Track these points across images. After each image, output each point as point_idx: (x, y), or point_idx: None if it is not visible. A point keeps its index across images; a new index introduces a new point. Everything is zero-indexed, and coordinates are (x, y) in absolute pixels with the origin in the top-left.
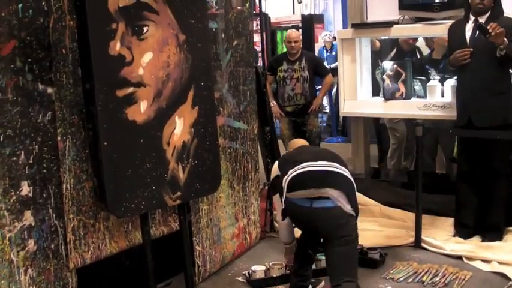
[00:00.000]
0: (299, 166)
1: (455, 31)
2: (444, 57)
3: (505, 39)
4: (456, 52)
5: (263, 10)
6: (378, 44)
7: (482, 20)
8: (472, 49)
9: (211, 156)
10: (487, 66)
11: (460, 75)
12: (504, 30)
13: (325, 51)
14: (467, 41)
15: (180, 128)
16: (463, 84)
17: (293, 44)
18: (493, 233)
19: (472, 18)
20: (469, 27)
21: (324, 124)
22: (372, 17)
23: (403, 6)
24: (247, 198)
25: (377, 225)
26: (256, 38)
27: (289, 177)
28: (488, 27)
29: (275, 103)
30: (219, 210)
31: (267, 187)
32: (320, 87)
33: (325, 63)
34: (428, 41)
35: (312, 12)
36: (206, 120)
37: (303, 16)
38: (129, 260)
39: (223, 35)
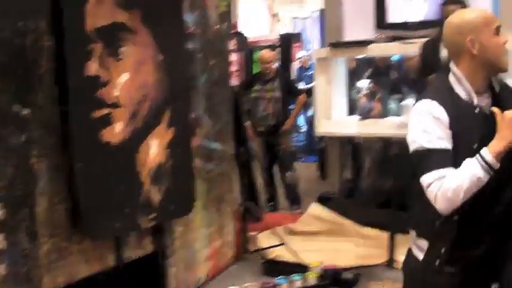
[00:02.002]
0: None
1: (429, 50)
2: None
3: None
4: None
5: (240, 29)
6: (354, 63)
7: None
8: None
9: (186, 178)
10: None
11: None
12: None
13: (302, 70)
14: (442, 58)
15: (155, 149)
16: None
17: (266, 65)
18: None
19: None
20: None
21: (301, 143)
22: (348, 36)
23: (379, 25)
24: (222, 219)
25: (352, 245)
26: (234, 57)
27: None
28: None
29: (248, 123)
30: (194, 232)
31: (241, 208)
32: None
33: (303, 83)
34: (405, 60)
35: (290, 31)
36: (181, 141)
37: (280, 35)
38: (103, 283)
39: (200, 55)
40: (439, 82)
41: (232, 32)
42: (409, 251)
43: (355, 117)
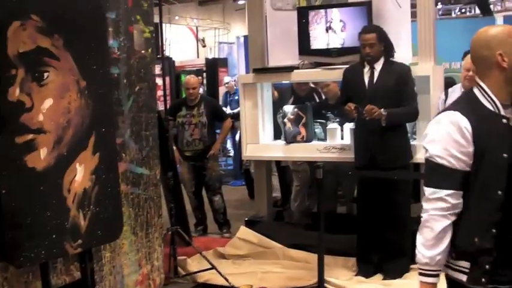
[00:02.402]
0: None
1: (352, 75)
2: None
3: (382, 111)
4: (346, 108)
5: (167, 54)
6: (276, 94)
7: (377, 67)
8: (355, 105)
9: (113, 203)
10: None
11: (359, 118)
12: (379, 111)
13: (228, 95)
14: (366, 85)
15: (80, 175)
16: (363, 126)
17: (191, 91)
18: (395, 270)
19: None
20: (366, 71)
21: (230, 167)
22: (272, 62)
23: (302, 51)
24: (150, 244)
25: (280, 267)
26: (160, 82)
27: None
28: (364, 111)
29: (175, 148)
30: (122, 257)
31: (170, 232)
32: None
33: (229, 108)
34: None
35: (217, 56)
36: (107, 166)
37: (207, 60)
38: None
39: (125, 80)
40: (462, 97)
41: (158, 56)
42: (449, 278)
43: (282, 142)
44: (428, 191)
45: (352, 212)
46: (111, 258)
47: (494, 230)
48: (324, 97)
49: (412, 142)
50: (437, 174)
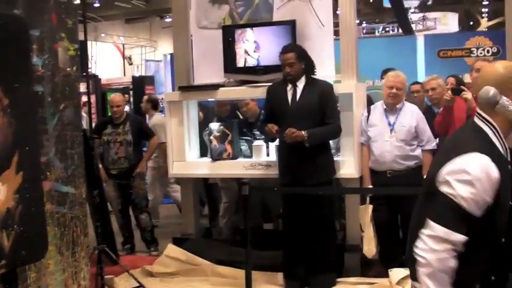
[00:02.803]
0: None
1: (275, 93)
2: (258, 120)
3: (304, 133)
4: (266, 129)
5: (93, 71)
6: (201, 114)
7: (300, 85)
8: (276, 128)
9: (37, 222)
10: (309, 127)
11: (282, 136)
12: (299, 133)
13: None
14: (289, 102)
15: (3, 194)
16: (286, 144)
17: (116, 109)
18: (321, 285)
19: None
20: (289, 89)
21: None
22: (198, 80)
23: (228, 69)
24: (77, 264)
25: (208, 284)
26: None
27: None
28: (284, 136)
29: (101, 166)
30: (48, 277)
31: (96, 252)
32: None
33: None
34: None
35: (143, 74)
36: (31, 185)
37: (134, 78)
38: None
39: (49, 98)
40: (476, 133)
41: (83, 74)
42: None
43: (208, 159)
44: (440, 230)
45: (278, 228)
46: (36, 278)
47: (493, 278)
48: (243, 117)
49: (336, 158)
50: (455, 215)
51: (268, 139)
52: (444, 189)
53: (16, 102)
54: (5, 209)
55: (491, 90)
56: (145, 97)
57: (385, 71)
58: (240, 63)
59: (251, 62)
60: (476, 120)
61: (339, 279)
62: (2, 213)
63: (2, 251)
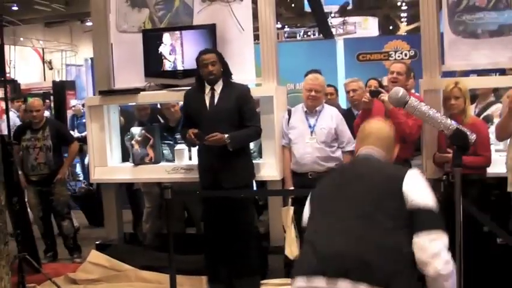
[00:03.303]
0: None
1: (192, 98)
2: (179, 124)
3: (226, 136)
4: (187, 136)
5: (12, 76)
6: (122, 119)
7: (217, 88)
8: (196, 132)
9: None
10: (227, 132)
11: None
12: (221, 136)
13: (76, 118)
14: (207, 106)
15: None
16: (206, 148)
17: (35, 113)
18: (247, 285)
19: (208, 86)
20: (207, 93)
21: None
22: (119, 84)
23: (148, 73)
24: None
25: None
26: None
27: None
28: (205, 140)
29: (20, 173)
30: None
31: (18, 260)
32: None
33: (77, 131)
34: (163, 110)
35: (64, 79)
36: None
37: (54, 83)
38: None
39: None
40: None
41: (2, 79)
42: None
43: (130, 164)
44: (445, 239)
45: (201, 232)
46: None
47: None
48: (163, 121)
49: (258, 161)
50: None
51: (190, 144)
52: (428, 206)
53: None
54: None
55: (401, 91)
56: None
57: (308, 73)
58: (159, 67)
59: (170, 66)
60: None
61: (263, 281)
62: None
63: None
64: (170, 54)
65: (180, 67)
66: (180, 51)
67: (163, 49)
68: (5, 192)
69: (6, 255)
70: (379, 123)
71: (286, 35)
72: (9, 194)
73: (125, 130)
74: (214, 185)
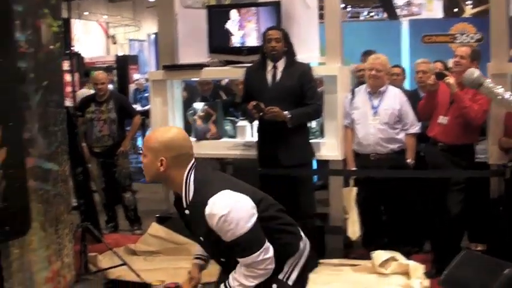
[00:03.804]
0: None
1: (254, 74)
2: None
3: (286, 113)
4: (248, 107)
5: (76, 50)
6: (185, 93)
7: (280, 66)
8: (255, 103)
9: (20, 198)
10: (288, 110)
11: (262, 118)
12: (281, 112)
13: (138, 92)
14: (269, 83)
15: None
16: (265, 125)
17: (99, 86)
18: None
19: (271, 63)
20: (269, 70)
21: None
22: (182, 59)
23: (212, 49)
24: (60, 241)
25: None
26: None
27: None
28: (265, 112)
29: (84, 144)
30: (31, 254)
31: (80, 229)
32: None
33: (139, 105)
34: (231, 85)
35: (127, 53)
36: (15, 161)
37: (117, 57)
38: None
39: (32, 75)
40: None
41: (67, 52)
42: None
43: (192, 139)
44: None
45: None
46: (19, 254)
47: None
48: (226, 96)
49: (320, 140)
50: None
51: (251, 118)
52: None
53: None
54: None
55: (476, 72)
56: None
57: (364, 53)
58: (223, 43)
59: (235, 42)
60: None
61: (321, 260)
62: None
63: None
64: (237, 30)
65: (244, 43)
66: (244, 28)
67: (230, 25)
68: (69, 163)
69: (70, 224)
70: None
71: (349, 15)
72: (74, 164)
73: (187, 105)
74: (273, 163)
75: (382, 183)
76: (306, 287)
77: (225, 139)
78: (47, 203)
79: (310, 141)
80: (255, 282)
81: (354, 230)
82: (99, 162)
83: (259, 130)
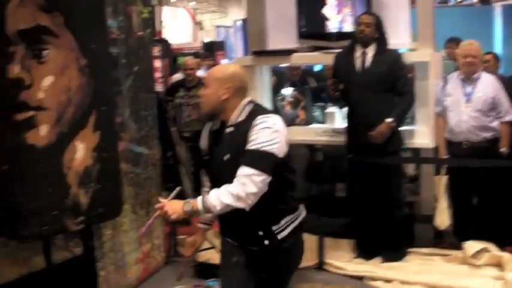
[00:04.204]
0: None
1: (343, 60)
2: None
3: (390, 122)
4: (328, 83)
5: (164, 36)
6: (274, 78)
7: (369, 52)
8: (333, 80)
9: (113, 181)
10: (377, 96)
11: (350, 104)
12: (385, 128)
13: None
14: (358, 69)
15: (81, 153)
16: (354, 112)
17: (189, 71)
18: (393, 254)
19: (361, 48)
20: (358, 56)
21: None
22: (271, 45)
23: (302, 35)
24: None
25: None
26: (158, 63)
27: None
28: (373, 135)
29: (173, 129)
30: (123, 235)
31: None
32: None
33: None
34: (326, 70)
35: (214, 39)
36: (108, 144)
37: (204, 43)
38: (32, 286)
39: (124, 60)
40: None
41: (156, 38)
42: None
43: None
44: None
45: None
46: (111, 235)
47: None
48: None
49: (411, 128)
50: None
51: (337, 103)
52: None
53: (93, 62)
54: (83, 167)
55: None
56: None
57: (449, 40)
58: (313, 29)
59: (332, 28)
60: None
61: (410, 250)
62: (80, 171)
63: (79, 207)
64: (335, 15)
65: (342, 29)
66: (342, 14)
67: (327, 10)
68: (159, 147)
69: None
70: None
71: (438, 1)
72: (164, 148)
73: (276, 90)
74: (362, 149)
75: (475, 171)
76: (294, 245)
77: (313, 125)
78: (138, 185)
79: (401, 128)
80: (230, 202)
81: (442, 219)
82: (187, 147)
83: (348, 116)
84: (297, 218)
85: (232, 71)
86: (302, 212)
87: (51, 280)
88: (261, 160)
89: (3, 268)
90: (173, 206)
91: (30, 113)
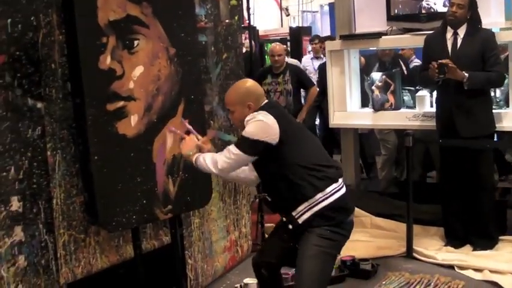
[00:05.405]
0: None
1: (434, 42)
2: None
3: (464, 73)
4: (431, 66)
5: (251, 23)
6: (363, 60)
7: (461, 33)
8: (439, 62)
9: None
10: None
11: (441, 86)
12: (460, 72)
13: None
14: (449, 51)
15: (170, 142)
16: (445, 95)
17: (276, 58)
18: (484, 242)
19: (451, 30)
20: (449, 38)
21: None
22: (360, 29)
23: (390, 17)
24: (238, 211)
25: (368, 236)
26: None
27: None
28: (446, 68)
29: None
30: (211, 224)
31: (257, 200)
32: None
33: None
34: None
35: (300, 25)
36: (197, 133)
37: (291, 29)
38: (120, 275)
39: (212, 48)
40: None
41: (243, 25)
42: None
43: (369, 109)
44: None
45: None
46: (200, 224)
47: None
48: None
49: (504, 110)
50: None
51: (430, 86)
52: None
53: (182, 51)
54: (171, 156)
55: None
56: None
57: None
58: (402, 11)
59: (414, 9)
60: None
61: (501, 237)
62: (169, 160)
63: (168, 196)
64: None
65: (436, 10)
66: None
67: None
68: None
69: (247, 195)
70: None
71: None
72: None
73: (365, 72)
74: (452, 134)
75: None
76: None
77: (403, 109)
78: None
79: (494, 111)
80: (223, 168)
81: None
82: None
83: (438, 100)
84: (316, 205)
85: (245, 88)
86: (325, 198)
87: (141, 269)
88: (244, 141)
89: (95, 257)
90: (187, 144)
91: (121, 103)
